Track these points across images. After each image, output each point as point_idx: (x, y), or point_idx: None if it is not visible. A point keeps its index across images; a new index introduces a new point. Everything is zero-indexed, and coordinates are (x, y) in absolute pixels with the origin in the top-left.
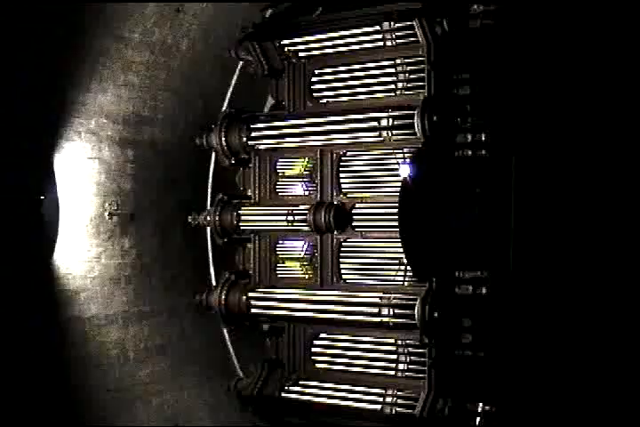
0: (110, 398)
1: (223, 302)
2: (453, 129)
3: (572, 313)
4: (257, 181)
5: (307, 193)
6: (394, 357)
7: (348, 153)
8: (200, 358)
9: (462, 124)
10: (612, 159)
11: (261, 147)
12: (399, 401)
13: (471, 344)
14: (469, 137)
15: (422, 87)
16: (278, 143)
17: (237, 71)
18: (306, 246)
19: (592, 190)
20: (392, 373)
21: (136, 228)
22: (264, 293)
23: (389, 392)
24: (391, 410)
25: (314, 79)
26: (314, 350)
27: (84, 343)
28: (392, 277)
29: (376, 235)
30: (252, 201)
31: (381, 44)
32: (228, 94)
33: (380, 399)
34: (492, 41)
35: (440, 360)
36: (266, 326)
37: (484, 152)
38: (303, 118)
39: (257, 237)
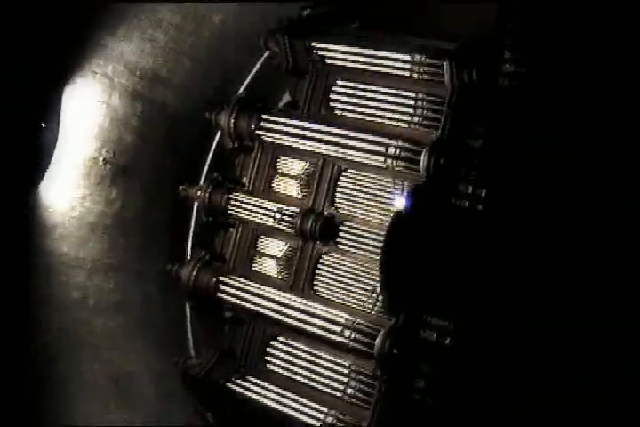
0: (60, 338)
1: (192, 279)
2: (456, 177)
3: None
4: (254, 172)
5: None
6: (344, 380)
7: (350, 170)
8: (157, 326)
9: (466, 174)
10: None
11: (267, 139)
12: (339, 424)
13: (423, 390)
14: (470, 189)
15: (437, 127)
16: (284, 140)
17: (262, 59)
18: (286, 248)
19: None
20: (339, 395)
21: (126, 182)
22: (234, 281)
23: (332, 413)
24: None
25: (334, 88)
26: (268, 350)
27: (47, 279)
28: (362, 303)
29: (357, 256)
30: (246, 189)
31: (408, 74)
32: (248, 79)
33: (322, 417)
34: (515, 104)
35: (388, 397)
36: (228, 314)
37: (480, 207)
38: (314, 123)
39: (241, 226)
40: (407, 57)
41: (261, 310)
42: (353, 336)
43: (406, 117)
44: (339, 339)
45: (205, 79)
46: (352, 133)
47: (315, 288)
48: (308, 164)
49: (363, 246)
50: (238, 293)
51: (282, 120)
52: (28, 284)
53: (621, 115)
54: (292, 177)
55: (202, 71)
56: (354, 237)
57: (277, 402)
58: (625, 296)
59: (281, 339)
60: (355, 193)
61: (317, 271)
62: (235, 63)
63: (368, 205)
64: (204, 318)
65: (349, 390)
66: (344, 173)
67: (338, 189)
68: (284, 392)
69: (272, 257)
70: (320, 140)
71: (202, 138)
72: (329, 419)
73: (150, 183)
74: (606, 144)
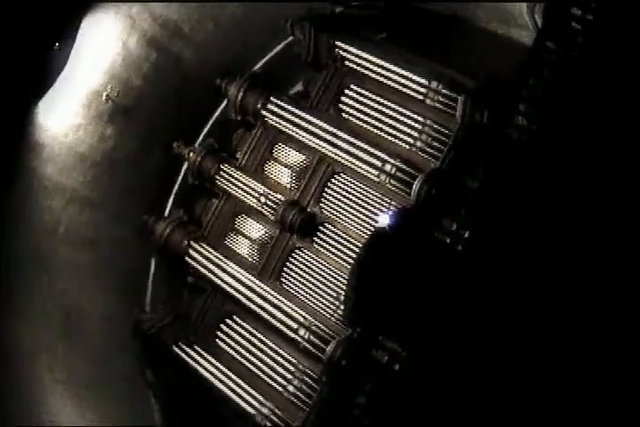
0: (23, 259)
1: (165, 235)
2: (444, 211)
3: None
4: (250, 150)
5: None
6: (289, 376)
7: (342, 174)
8: (120, 272)
9: (455, 211)
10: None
11: (270, 122)
12: (273, 418)
13: (362, 406)
14: (454, 226)
15: (437, 157)
16: (286, 128)
17: (284, 43)
18: (263, 233)
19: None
20: (280, 389)
21: (124, 123)
22: (205, 250)
23: (269, 404)
24: (262, 422)
25: (347, 91)
26: (222, 326)
27: (25, 196)
28: (324, 306)
29: (329, 260)
30: (237, 164)
31: (422, 98)
32: (267, 57)
33: (258, 406)
34: (519, 157)
35: (326, 404)
36: (191, 280)
37: (459, 247)
38: (320, 120)
39: (225, 198)
40: (424, 81)
41: (224, 286)
42: (307, 336)
43: (409, 139)
44: (293, 335)
45: (226, 46)
46: (354, 140)
47: (281, 280)
48: (304, 157)
49: (337, 252)
50: (205, 262)
51: (289, 108)
52: (7, 198)
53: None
54: (285, 166)
55: (224, 38)
56: (331, 241)
57: (218, 379)
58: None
59: (237, 319)
60: (342, 198)
61: (288, 264)
62: (258, 39)
63: (352, 214)
64: (168, 277)
65: (291, 388)
66: (336, 176)
67: (327, 190)
68: (227, 372)
69: (247, 237)
70: (321, 138)
71: (208, 101)
72: (264, 410)
73: (148, 131)
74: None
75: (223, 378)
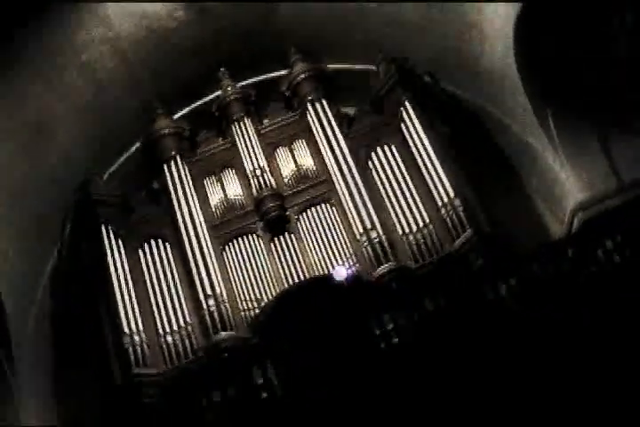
0: None
1: (160, 134)
2: (390, 306)
3: None
4: (279, 125)
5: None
6: (173, 328)
7: (335, 208)
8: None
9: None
10: None
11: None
12: (138, 350)
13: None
14: (390, 326)
15: (416, 259)
16: (317, 131)
17: None
18: (239, 198)
19: None
20: (161, 331)
21: None
22: (184, 170)
23: (143, 337)
24: (128, 346)
25: (385, 145)
26: (151, 243)
27: None
28: (243, 300)
29: (273, 262)
30: (260, 127)
31: (440, 203)
32: None
33: (134, 330)
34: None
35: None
36: (156, 186)
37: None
38: (350, 152)
39: (229, 143)
40: (452, 192)
41: (177, 213)
42: (206, 314)
43: (406, 228)
44: (202, 299)
45: None
46: (362, 189)
47: (225, 248)
48: (315, 167)
49: (282, 261)
50: (177, 181)
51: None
52: None
53: None
54: (295, 161)
55: None
56: (284, 250)
57: (118, 283)
58: None
59: (167, 246)
60: (319, 224)
61: (239, 240)
62: None
63: (316, 241)
64: (137, 168)
65: (169, 339)
66: (327, 201)
67: (313, 209)
68: (129, 281)
69: (223, 191)
70: (339, 166)
71: None
72: (136, 338)
73: None
74: None
75: (123, 285)
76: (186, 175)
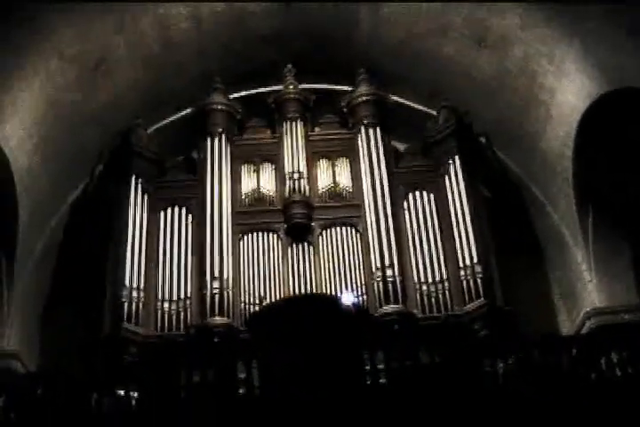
0: None
1: (215, 108)
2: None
3: None
4: (330, 135)
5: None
6: (180, 296)
7: (360, 234)
8: None
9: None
10: None
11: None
12: (133, 306)
13: None
14: (382, 365)
15: (424, 310)
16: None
17: None
18: (270, 194)
19: None
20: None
21: None
22: (228, 149)
23: (142, 295)
24: (125, 299)
25: (425, 190)
26: (174, 208)
27: None
28: (247, 292)
29: (285, 264)
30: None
31: (462, 265)
32: None
33: (134, 285)
34: None
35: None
36: (195, 156)
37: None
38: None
39: (277, 137)
40: (475, 257)
41: (207, 190)
42: (207, 299)
43: (422, 278)
44: (208, 284)
45: None
46: (392, 230)
47: (242, 237)
48: (352, 190)
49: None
50: (216, 157)
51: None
52: None
53: None
54: (333, 176)
55: None
56: (297, 258)
57: (132, 237)
58: None
59: (189, 216)
60: (337, 243)
61: (259, 234)
62: None
63: (331, 259)
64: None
65: (165, 305)
66: (354, 226)
67: (337, 229)
68: (142, 238)
69: (257, 181)
70: (375, 202)
71: None
72: (134, 294)
73: None
74: None
75: (136, 239)
76: (227, 154)
